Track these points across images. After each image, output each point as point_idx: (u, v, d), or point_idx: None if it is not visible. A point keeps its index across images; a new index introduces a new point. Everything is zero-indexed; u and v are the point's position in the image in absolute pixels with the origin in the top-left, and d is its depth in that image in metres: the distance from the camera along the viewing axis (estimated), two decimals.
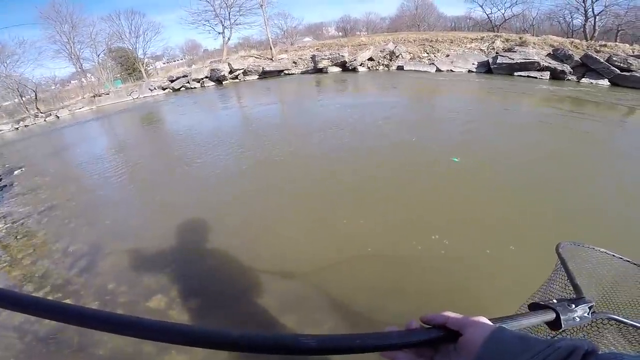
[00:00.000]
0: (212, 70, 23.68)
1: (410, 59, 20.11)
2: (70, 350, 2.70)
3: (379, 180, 5.01)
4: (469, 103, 10.32)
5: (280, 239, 3.87)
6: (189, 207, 4.95)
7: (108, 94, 26.35)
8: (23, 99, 27.24)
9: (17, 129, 21.51)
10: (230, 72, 23.39)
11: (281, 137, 8.02)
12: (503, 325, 0.51)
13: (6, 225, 5.47)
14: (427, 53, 20.11)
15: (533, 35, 20.55)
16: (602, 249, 1.18)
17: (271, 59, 24.33)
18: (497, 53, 17.34)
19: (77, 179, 7.50)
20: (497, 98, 10.95)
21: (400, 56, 20.20)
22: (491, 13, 34.29)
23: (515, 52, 16.15)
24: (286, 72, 23.11)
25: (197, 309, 2.99)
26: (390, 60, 20.20)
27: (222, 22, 31.40)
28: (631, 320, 0.85)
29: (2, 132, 21.29)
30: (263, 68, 23.23)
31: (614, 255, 1.16)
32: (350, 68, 20.49)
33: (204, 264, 3.59)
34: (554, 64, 14.83)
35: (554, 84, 13.65)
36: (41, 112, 24.74)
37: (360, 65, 20.29)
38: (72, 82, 36.17)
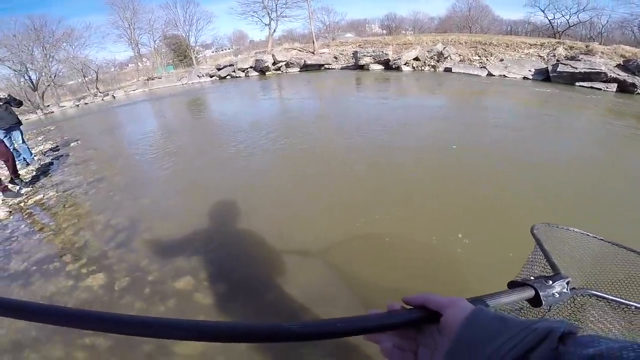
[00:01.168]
0: (257, 60, 24.15)
1: (460, 61, 19.09)
2: None
3: (416, 180, 4.79)
4: (523, 110, 9.54)
5: (311, 228, 3.83)
6: (226, 191, 4.99)
7: (160, 78, 27.90)
8: (86, 79, 29.71)
9: (78, 106, 23.45)
10: (274, 63, 23.69)
11: (319, 131, 7.93)
12: (482, 306, 0.50)
13: (57, 194, 5.89)
14: (479, 56, 18.97)
15: (601, 44, 18.68)
16: (576, 229, 1.19)
17: (313, 53, 24.26)
18: (557, 61, 15.93)
19: (126, 155, 7.94)
20: (557, 106, 10.01)
21: (449, 57, 19.28)
22: (554, 19, 31.61)
23: (580, 60, 14.68)
24: (327, 66, 22.91)
25: (223, 293, 2.98)
26: (438, 61, 19.32)
27: (269, 13, 31.99)
28: (611, 296, 0.85)
29: (65, 108, 23.38)
30: (305, 61, 23.23)
31: (588, 235, 1.18)
32: (393, 67, 19.83)
33: (236, 249, 3.61)
34: (623, 75, 13.28)
35: (622, 97, 12.24)
36: (100, 92, 26.85)
37: (405, 64, 19.57)
38: (129, 65, 38.74)
